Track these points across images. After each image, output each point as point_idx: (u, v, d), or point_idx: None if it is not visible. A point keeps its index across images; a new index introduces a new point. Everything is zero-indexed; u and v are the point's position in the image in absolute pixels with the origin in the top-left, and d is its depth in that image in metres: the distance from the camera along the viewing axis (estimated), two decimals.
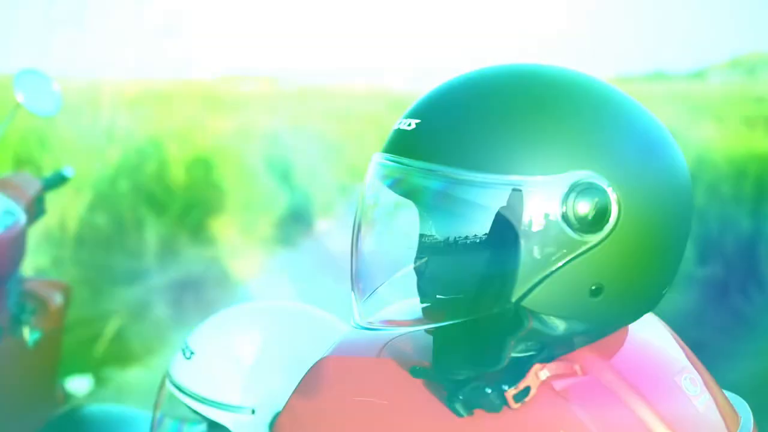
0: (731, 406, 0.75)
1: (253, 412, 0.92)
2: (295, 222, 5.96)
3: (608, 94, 0.67)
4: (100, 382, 2.99)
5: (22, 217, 1.42)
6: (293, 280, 4.65)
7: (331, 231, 6.26)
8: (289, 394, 0.90)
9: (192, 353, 0.98)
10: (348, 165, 9.08)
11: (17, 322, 1.47)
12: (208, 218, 5.25)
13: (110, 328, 3.33)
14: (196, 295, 4.10)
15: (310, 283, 4.60)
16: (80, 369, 3.00)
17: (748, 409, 0.76)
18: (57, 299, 1.58)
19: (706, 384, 0.72)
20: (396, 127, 0.70)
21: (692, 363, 0.75)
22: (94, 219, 4.14)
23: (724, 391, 0.77)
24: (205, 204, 5.25)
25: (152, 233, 4.48)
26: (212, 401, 0.93)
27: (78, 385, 2.86)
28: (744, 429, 0.72)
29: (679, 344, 0.77)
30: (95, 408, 1.41)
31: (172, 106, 7.44)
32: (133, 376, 3.07)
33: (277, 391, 0.93)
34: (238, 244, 5.17)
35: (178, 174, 5.19)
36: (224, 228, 5.28)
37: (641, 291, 0.66)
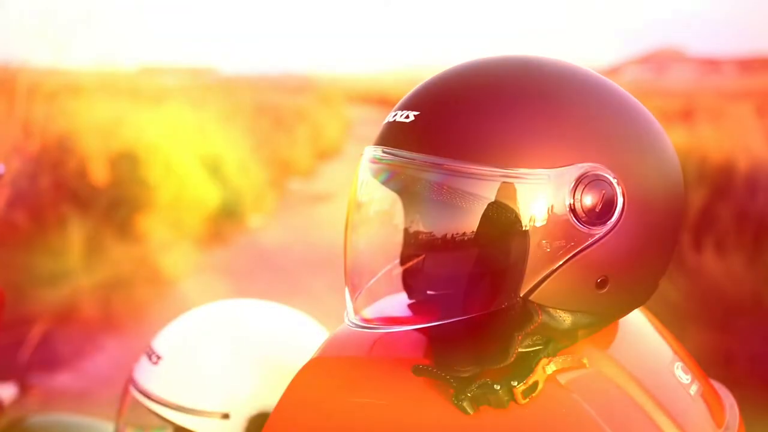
0: (718, 393, 0.76)
1: (226, 416, 0.88)
2: (227, 218, 5.82)
3: (609, 86, 0.68)
4: (25, 389, 2.83)
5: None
6: (227, 277, 4.54)
7: (264, 227, 6.15)
8: (263, 396, 0.86)
9: (158, 358, 0.93)
10: (279, 159, 8.95)
11: None
12: (136, 215, 5.05)
13: (35, 332, 3.15)
14: (127, 295, 3.94)
15: (245, 281, 4.50)
16: (3, 376, 2.83)
17: (731, 396, 0.78)
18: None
19: (694, 372, 0.74)
20: (391, 120, 0.67)
21: (681, 352, 0.76)
22: (13, 217, 3.91)
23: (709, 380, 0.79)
24: (131, 201, 5.05)
25: (76, 232, 4.26)
26: (182, 407, 0.88)
27: (1, 393, 2.69)
28: (731, 415, 0.73)
29: (665, 334, 0.78)
30: (41, 419, 1.31)
31: (92, 98, 7.12)
32: (61, 381, 2.92)
33: (250, 393, 0.89)
34: (168, 242, 5.00)
35: (101, 170, 4.97)
36: (153, 225, 5.09)
37: (642, 281, 0.67)
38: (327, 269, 4.67)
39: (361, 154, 0.70)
